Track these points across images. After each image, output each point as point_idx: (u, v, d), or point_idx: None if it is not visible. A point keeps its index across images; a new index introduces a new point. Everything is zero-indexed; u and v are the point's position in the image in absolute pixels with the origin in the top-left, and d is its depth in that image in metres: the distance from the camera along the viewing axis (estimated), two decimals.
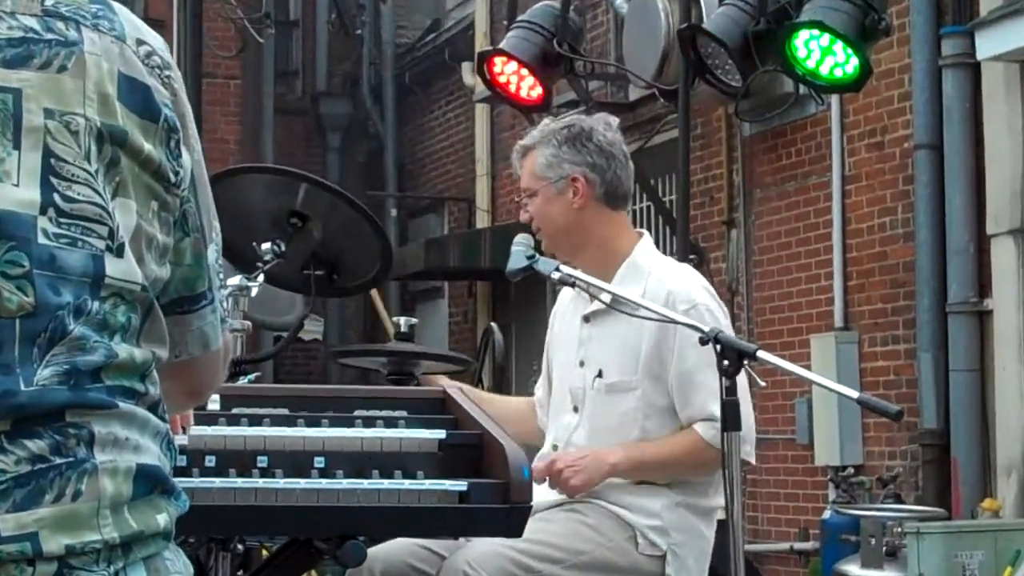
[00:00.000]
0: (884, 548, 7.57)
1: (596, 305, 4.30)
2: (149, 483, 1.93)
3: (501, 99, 8.65)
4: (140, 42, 2.02)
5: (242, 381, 4.24)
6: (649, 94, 10.28)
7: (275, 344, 5.35)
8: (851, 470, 9.03)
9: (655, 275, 4.26)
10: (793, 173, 9.93)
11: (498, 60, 8.46)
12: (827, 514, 8.64)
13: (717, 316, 4.15)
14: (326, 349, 15.21)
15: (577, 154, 4.34)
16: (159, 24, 14.83)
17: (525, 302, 13.04)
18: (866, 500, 8.66)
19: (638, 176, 10.97)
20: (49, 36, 1.91)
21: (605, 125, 4.40)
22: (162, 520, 1.95)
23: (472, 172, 14.50)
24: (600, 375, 4.26)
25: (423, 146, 16.12)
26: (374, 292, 4.32)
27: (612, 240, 4.36)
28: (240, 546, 4.13)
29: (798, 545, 9.64)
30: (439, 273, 14.01)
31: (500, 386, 5.90)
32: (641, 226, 11.74)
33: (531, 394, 4.75)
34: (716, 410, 4.02)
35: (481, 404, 4.31)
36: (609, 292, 4.15)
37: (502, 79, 8.48)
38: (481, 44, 12.84)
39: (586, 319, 4.37)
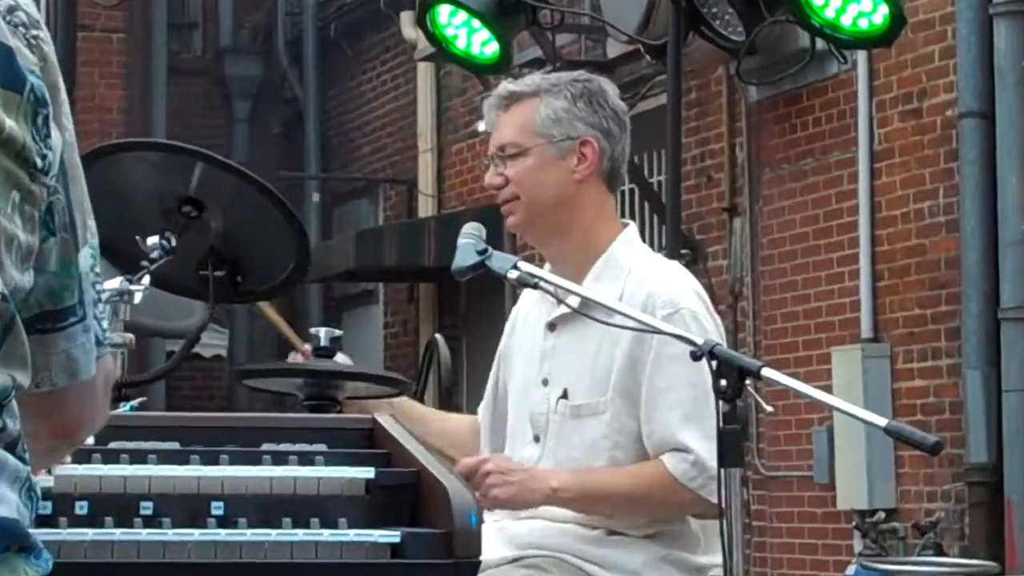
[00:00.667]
0: None
1: (563, 309, 4.27)
2: (3, 540, 1.94)
3: (448, 57, 8.63)
4: None
5: (123, 408, 4.22)
6: (632, 51, 10.31)
7: (167, 360, 5.32)
8: (882, 515, 9.07)
9: (636, 273, 4.23)
10: (810, 148, 9.97)
11: (445, 9, 8.46)
12: (852, 570, 8.65)
13: (704, 324, 4.12)
14: (231, 368, 15.18)
15: (593, 114, 4.29)
16: None
17: (480, 308, 13.06)
18: (900, 552, 8.71)
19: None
20: None
21: (614, 89, 4.41)
22: None
23: (413, 148, 14.51)
24: (565, 396, 4.25)
25: (352, 116, 16.11)
26: (264, 304, 4.28)
27: (596, 228, 4.34)
28: None
29: None
30: (373, 273, 14.01)
31: (447, 405, 5.90)
32: (623, 212, 11.87)
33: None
34: (689, 440, 4.04)
35: (425, 425, 4.33)
36: (578, 295, 4.13)
37: (450, 33, 8.48)
38: None
39: (551, 327, 4.33)
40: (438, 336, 6.61)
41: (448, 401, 5.89)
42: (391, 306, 15.12)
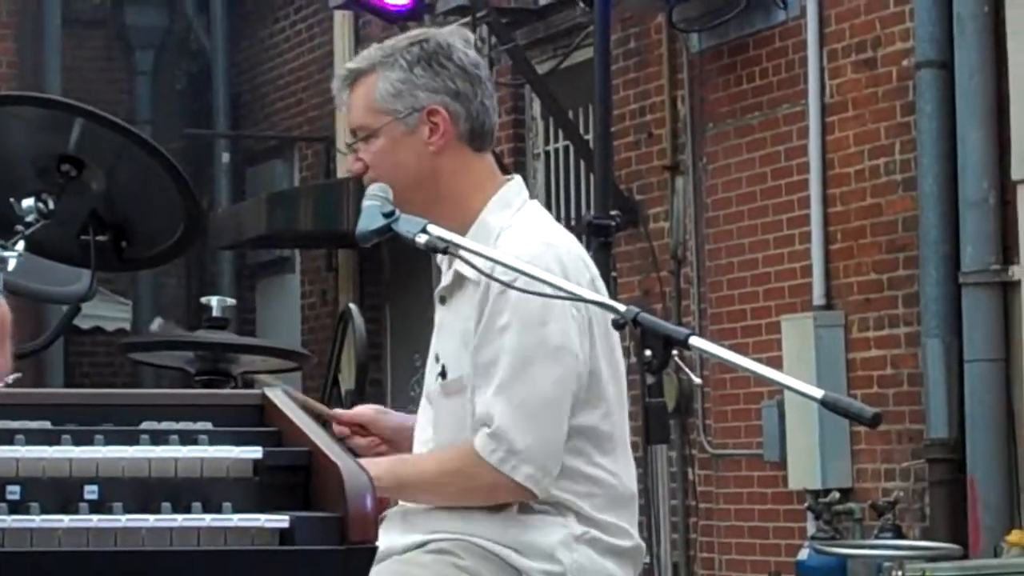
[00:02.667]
0: None
1: (445, 280, 4.29)
2: None
3: (362, 6, 8.63)
4: None
5: None
6: None
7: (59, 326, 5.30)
8: (836, 495, 9.12)
9: (504, 236, 4.23)
10: (757, 101, 10.00)
11: None
12: (804, 553, 8.74)
13: (558, 279, 4.09)
14: (119, 342, 15.13)
15: (436, 77, 4.27)
16: None
17: (404, 276, 13.07)
18: (856, 535, 8.76)
19: (550, 105, 11.09)
20: None
21: (463, 40, 4.38)
22: None
23: (330, 103, 14.40)
24: (443, 373, 4.27)
25: (265, 68, 16.08)
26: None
27: (466, 195, 4.32)
28: None
29: None
30: (288, 238, 14.00)
31: (363, 389, 5.89)
32: (556, 174, 11.91)
33: (410, 399, 4.73)
34: (494, 410, 4.04)
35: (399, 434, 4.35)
36: (489, 258, 4.12)
37: None
38: None
39: (441, 300, 4.36)
40: (352, 306, 6.61)
41: (364, 375, 5.89)
42: (308, 274, 15.09)
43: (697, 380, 9.53)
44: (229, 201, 15.58)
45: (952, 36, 8.53)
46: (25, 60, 15.63)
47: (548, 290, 3.89)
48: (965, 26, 8.45)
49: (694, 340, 3.77)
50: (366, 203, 4.13)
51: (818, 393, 3.80)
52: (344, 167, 14.07)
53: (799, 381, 3.90)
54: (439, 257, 4.38)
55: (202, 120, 16.31)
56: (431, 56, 4.27)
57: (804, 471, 9.32)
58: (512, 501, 4.06)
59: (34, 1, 15.65)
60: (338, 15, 13.67)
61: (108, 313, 14.94)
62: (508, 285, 3.88)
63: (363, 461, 4.01)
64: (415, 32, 4.51)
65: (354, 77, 4.29)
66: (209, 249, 15.17)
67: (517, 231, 4.22)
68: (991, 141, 8.43)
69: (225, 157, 16.00)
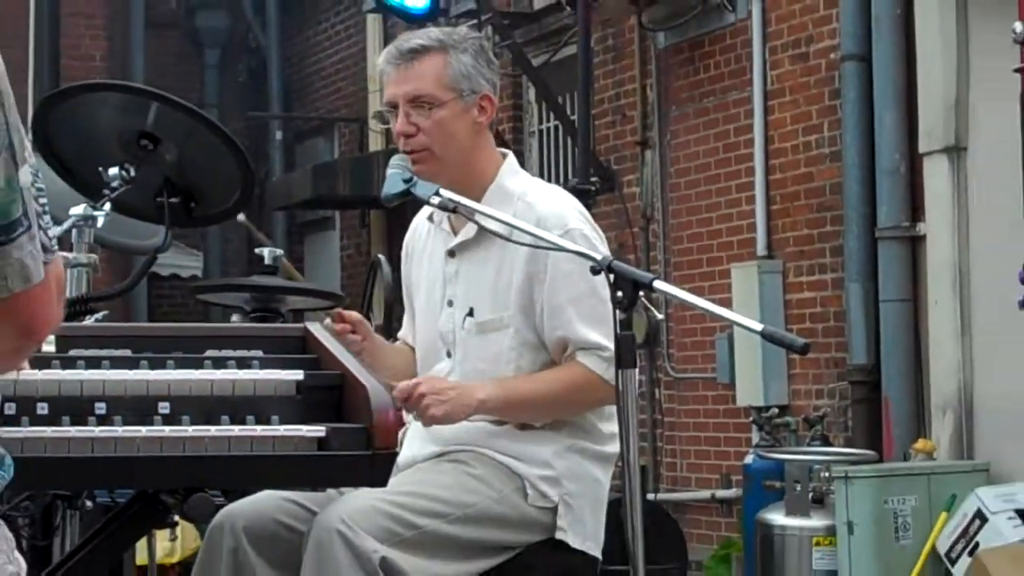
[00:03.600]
0: (810, 494, 7.66)
1: (462, 237, 4.25)
2: None
3: (388, 9, 8.59)
4: None
5: (89, 320, 4.21)
6: (555, 2, 10.27)
7: (136, 271, 5.30)
8: (775, 411, 9.09)
9: (524, 199, 4.21)
10: (711, 88, 9.96)
11: None
12: (750, 459, 8.71)
13: (594, 242, 4.11)
14: (190, 285, 15.14)
15: (489, 70, 4.29)
16: None
17: (407, 236, 13.02)
18: (791, 443, 8.74)
19: (543, 92, 11.04)
20: None
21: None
22: None
23: (364, 90, 14.41)
24: (471, 314, 4.23)
25: (311, 62, 16.00)
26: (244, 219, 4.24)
27: (482, 162, 4.31)
28: (89, 503, 4.11)
29: (720, 493, 9.74)
30: (329, 201, 13.95)
31: (390, 323, 5.87)
32: (548, 149, 11.86)
33: None
34: (595, 337, 4.04)
35: (380, 351, 4.31)
36: (497, 219, 4.10)
37: None
38: None
39: (451, 254, 4.30)
40: (380, 256, 6.60)
41: (390, 311, 5.88)
42: (346, 231, 15.07)
43: (660, 316, 9.50)
44: (281, 171, 15.55)
45: (871, 34, 8.50)
46: (114, 56, 15.57)
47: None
48: (881, 26, 8.42)
49: (658, 283, 3.76)
50: (390, 171, 4.13)
51: (759, 327, 3.79)
52: (375, 143, 14.07)
53: (745, 317, 3.89)
54: (435, 217, 4.38)
55: (259, 105, 16.26)
56: (486, 52, 4.29)
57: (749, 391, 9.31)
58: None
59: (122, 7, 15.57)
60: (370, 17, 13.58)
61: (183, 262, 14.91)
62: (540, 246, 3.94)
63: (469, 384, 4.03)
64: (463, 28, 4.49)
65: (423, 51, 4.21)
66: (266, 210, 15.16)
67: (540, 191, 4.32)
68: (902, 121, 8.42)
69: (278, 135, 15.98)
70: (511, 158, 4.38)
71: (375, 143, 14.07)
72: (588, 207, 7.43)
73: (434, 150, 4.19)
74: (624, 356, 3.75)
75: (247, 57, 16.64)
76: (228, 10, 16.53)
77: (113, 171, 4.18)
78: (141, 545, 5.10)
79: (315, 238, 15.88)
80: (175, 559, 7.98)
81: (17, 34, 12.46)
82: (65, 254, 4.14)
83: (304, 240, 16.02)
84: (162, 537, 6.68)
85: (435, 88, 4.20)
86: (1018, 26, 1.81)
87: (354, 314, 4.24)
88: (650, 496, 9.47)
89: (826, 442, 8.55)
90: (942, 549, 7.39)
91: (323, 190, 13.34)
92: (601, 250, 4.03)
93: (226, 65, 16.62)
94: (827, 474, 7.60)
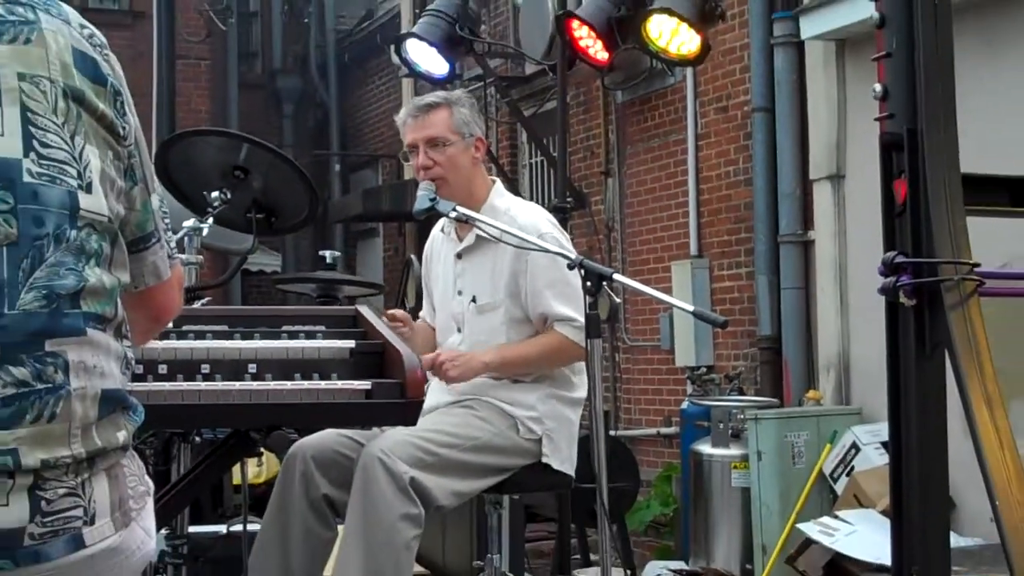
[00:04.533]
0: (730, 431, 7.66)
1: (466, 243, 4.32)
2: (112, 404, 1.93)
3: (416, 74, 8.58)
4: (83, 26, 2.02)
5: (197, 304, 4.22)
6: (541, 69, 10.26)
7: (230, 268, 5.30)
8: (704, 369, 9.09)
9: (508, 213, 4.27)
10: (656, 132, 9.94)
11: (412, 43, 8.40)
12: (685, 405, 8.70)
13: (563, 243, 4.19)
14: (273, 278, 15.16)
15: (479, 118, 4.38)
16: (140, 15, 14.66)
17: (427, 244, 13.02)
18: (716, 393, 8.72)
19: (532, 135, 11.03)
20: (13, 18, 1.90)
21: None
22: (121, 436, 1.95)
23: (400, 134, 14.42)
24: (474, 300, 4.28)
25: (361, 113, 15.99)
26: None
27: (478, 187, 4.37)
28: (198, 438, 4.12)
29: (663, 430, 9.72)
30: (374, 216, 13.94)
31: (418, 307, 5.89)
32: (536, 177, 11.82)
33: None
34: (567, 311, 4.08)
35: (414, 333, 4.34)
36: (496, 227, 4.12)
37: (415, 57, 8.42)
38: (406, 30, 12.75)
39: (458, 256, 4.37)
40: (412, 256, 6.60)
41: (419, 298, 5.85)
42: (387, 238, 15.07)
43: (618, 300, 9.48)
44: (339, 194, 15.54)
45: (774, 93, 8.47)
46: (216, 109, 15.58)
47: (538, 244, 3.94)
48: (782, 87, 8.41)
49: (616, 276, 3.78)
50: (419, 193, 4.18)
51: (691, 308, 3.80)
52: (407, 173, 14.06)
53: (680, 301, 3.91)
54: (445, 229, 4.41)
55: (323, 145, 16.24)
56: (476, 107, 4.32)
57: (685, 355, 9.30)
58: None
59: (222, 73, 15.58)
60: (404, 80, 13.57)
61: (267, 261, 14.90)
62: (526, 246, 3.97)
63: (476, 352, 4.05)
64: (460, 90, 4.55)
65: (435, 107, 4.29)
66: (328, 223, 15.16)
67: (520, 206, 4.36)
68: (797, 156, 8.39)
69: (336, 167, 15.96)
70: (499, 183, 4.44)
71: (408, 173, 14.06)
72: (565, 220, 7.50)
73: (447, 178, 4.25)
74: (591, 329, 3.77)
75: (314, 110, 16.62)
76: (300, 75, 16.54)
77: (214, 194, 4.19)
78: (236, 469, 5.11)
79: (364, 244, 15.87)
80: (261, 480, 7.95)
81: (144, 93, 12.44)
82: (180, 255, 4.16)
83: (356, 245, 16.01)
84: (251, 463, 6.66)
85: (445, 132, 4.27)
86: (877, 87, 1.82)
87: (399, 312, 4.30)
88: (611, 432, 9.46)
89: (741, 393, 8.56)
90: (827, 471, 7.39)
91: (370, 208, 13.33)
92: (568, 248, 4.09)
93: (298, 115, 16.61)
94: (742, 416, 7.59)
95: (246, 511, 3.97)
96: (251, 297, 15.50)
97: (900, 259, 2.10)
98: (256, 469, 7.58)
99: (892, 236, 2.17)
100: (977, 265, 1.98)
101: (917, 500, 1.85)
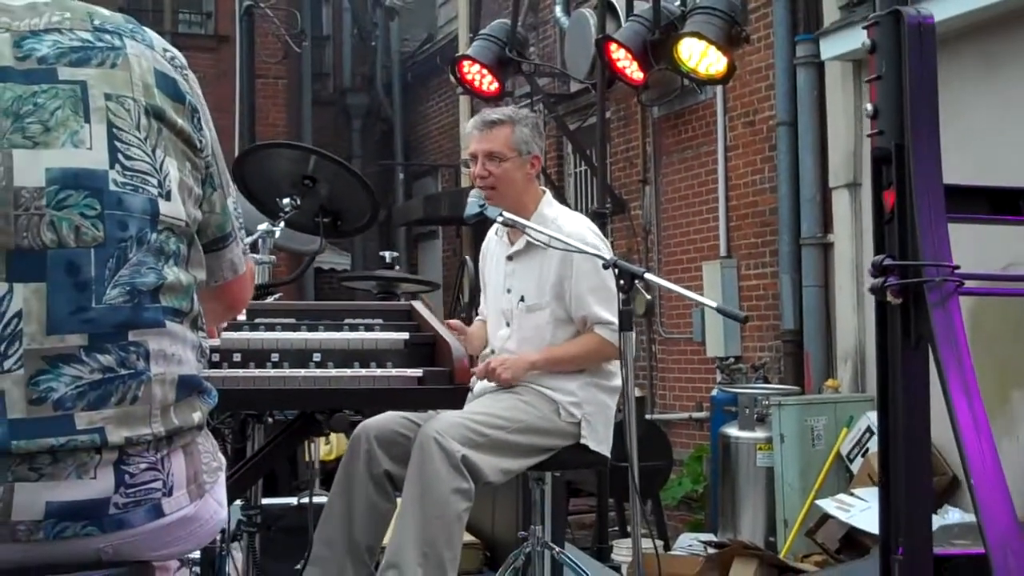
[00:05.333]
0: (755, 416, 7.65)
1: (517, 247, 4.34)
2: (188, 388, 1.97)
3: (469, 92, 8.62)
4: (165, 49, 2.06)
5: (269, 300, 4.25)
6: (584, 87, 10.27)
7: (300, 267, 5.33)
8: (732, 360, 9.08)
9: (556, 222, 4.29)
10: (689, 144, 9.93)
11: (466, 63, 8.43)
12: (715, 392, 8.69)
13: (601, 248, 4.17)
14: (338, 275, 15.20)
15: (540, 139, 4.37)
16: (224, 39, 14.76)
17: (483, 244, 13.03)
18: (743, 381, 8.71)
19: (576, 147, 11.03)
20: (101, 44, 1.95)
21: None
22: (196, 416, 1.98)
23: (458, 146, 14.42)
24: (522, 299, 4.30)
25: (422, 127, 16.05)
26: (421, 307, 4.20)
27: (530, 197, 4.38)
28: (270, 419, 4.15)
29: (695, 415, 9.71)
30: (434, 220, 14.00)
31: (472, 304, 5.91)
32: (580, 185, 11.83)
33: None
34: (606, 315, 4.08)
35: (470, 336, 4.38)
36: (541, 231, 4.15)
37: (469, 77, 8.45)
38: (462, 52, 12.79)
39: (509, 258, 4.39)
40: (467, 257, 6.63)
41: (472, 298, 5.89)
42: (446, 240, 15.10)
43: (649, 297, 9.48)
44: (402, 200, 15.60)
45: (796, 107, 8.45)
46: (292, 123, 15.65)
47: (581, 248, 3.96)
48: (803, 102, 8.39)
49: (647, 275, 3.78)
50: (469, 200, 4.21)
51: (714, 304, 3.80)
52: (464, 181, 14.09)
53: (705, 298, 3.90)
54: (499, 232, 4.43)
55: (388, 156, 16.30)
56: (537, 127, 4.32)
57: (715, 346, 9.30)
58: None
59: (297, 91, 15.65)
60: (461, 97, 13.63)
61: (337, 260, 14.99)
62: (577, 249, 3.99)
63: (524, 353, 4.13)
64: (526, 110, 4.54)
65: (498, 123, 4.31)
66: (392, 226, 15.21)
67: (567, 216, 4.36)
68: (818, 165, 8.36)
69: (401, 176, 16.02)
70: (548, 194, 4.44)
71: (465, 181, 14.09)
72: (604, 224, 7.52)
73: (499, 188, 4.27)
74: (624, 324, 3.79)
75: (380, 124, 16.68)
76: (367, 93, 16.61)
77: (286, 201, 4.19)
78: (311, 447, 5.16)
79: (425, 245, 15.92)
80: (331, 457, 8.01)
81: (227, 109, 12.55)
82: (254, 255, 4.20)
83: (418, 246, 16.06)
84: (321, 442, 6.72)
85: (504, 148, 4.27)
86: (868, 106, 1.83)
87: (454, 322, 4.36)
88: (648, 416, 9.47)
89: (766, 381, 8.54)
90: (844, 452, 7.37)
91: (430, 212, 13.39)
92: (607, 254, 4.07)
93: (366, 129, 16.68)
94: (767, 402, 7.58)
95: (312, 485, 4.00)
96: (322, 292, 15.58)
97: (888, 261, 2.11)
98: (326, 447, 7.64)
99: (882, 241, 2.19)
100: (957, 267, 2.00)
101: (903, 478, 1.86)
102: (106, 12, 2.02)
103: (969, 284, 1.97)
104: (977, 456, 1.67)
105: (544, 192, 4.43)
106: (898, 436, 1.86)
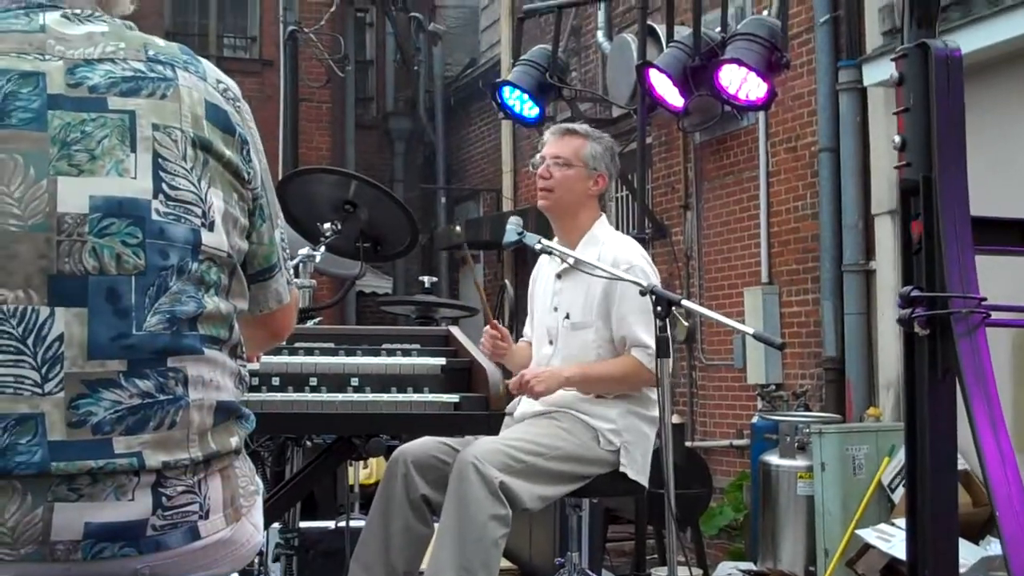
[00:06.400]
0: (796, 444, 7.60)
1: (565, 265, 4.36)
2: (225, 414, 1.99)
3: (510, 116, 8.65)
4: (219, 81, 2.09)
5: (309, 324, 4.29)
6: (626, 112, 10.29)
7: (341, 291, 5.36)
8: (773, 387, 9.05)
9: (606, 244, 4.31)
10: (731, 170, 9.93)
11: (506, 88, 8.47)
12: (756, 419, 8.64)
13: (648, 274, 4.18)
14: (378, 300, 15.22)
15: (611, 161, 4.40)
16: (269, 63, 14.89)
17: (535, 265, 13.06)
18: (784, 409, 8.68)
19: (618, 172, 11.04)
20: (152, 75, 1.98)
21: (617, 147, 4.52)
22: (234, 441, 2.01)
23: (500, 170, 14.50)
24: (568, 317, 4.31)
25: (464, 151, 16.10)
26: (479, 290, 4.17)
27: (585, 216, 4.40)
28: (309, 442, 4.19)
29: (735, 442, 9.68)
30: (476, 244, 14.01)
31: (511, 328, 5.92)
32: (622, 210, 11.86)
33: None
34: (645, 339, 4.08)
35: (513, 352, 4.40)
36: (575, 257, 4.19)
37: (510, 102, 8.49)
38: (504, 77, 12.85)
39: (558, 276, 4.41)
40: (506, 281, 6.66)
41: (514, 318, 5.90)
42: (488, 264, 15.10)
43: (686, 323, 9.45)
44: (445, 224, 15.64)
45: (839, 133, 8.44)
46: (336, 147, 15.71)
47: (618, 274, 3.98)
48: (846, 128, 8.37)
49: (684, 302, 3.79)
50: (508, 227, 4.22)
51: (751, 330, 3.81)
52: (506, 205, 14.14)
53: (744, 325, 3.91)
54: (545, 255, 4.44)
55: (430, 179, 16.35)
56: (611, 148, 4.35)
57: (756, 373, 9.27)
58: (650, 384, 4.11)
59: (340, 115, 15.73)
60: (504, 122, 13.69)
61: (379, 284, 15.03)
62: (617, 277, 4.00)
63: (558, 368, 4.08)
64: (605, 134, 4.54)
65: (572, 133, 4.37)
66: (434, 250, 15.25)
67: (617, 239, 4.39)
68: (860, 192, 8.34)
69: (443, 200, 16.04)
70: (603, 217, 4.48)
71: (506, 205, 14.15)
72: (647, 248, 7.53)
73: (556, 192, 4.31)
74: (662, 350, 3.80)
75: (423, 148, 16.74)
76: (410, 117, 16.66)
77: (327, 225, 4.23)
78: (350, 470, 5.19)
79: (466, 269, 15.96)
80: (371, 480, 8.05)
81: (271, 132, 12.65)
82: (296, 280, 4.24)
83: (459, 270, 16.09)
84: (361, 466, 6.76)
85: (571, 156, 4.31)
86: (896, 138, 1.84)
87: (502, 328, 4.35)
88: (688, 443, 9.44)
89: (807, 409, 8.50)
90: (885, 482, 7.31)
91: (472, 236, 13.41)
92: (653, 280, 4.08)
93: (409, 153, 16.74)
94: (808, 430, 7.53)
95: (348, 509, 4.03)
96: (364, 316, 15.62)
97: (915, 293, 2.12)
98: (365, 471, 7.68)
99: (910, 272, 2.20)
100: (984, 299, 2.01)
101: (929, 509, 1.87)
102: (162, 43, 2.05)
103: (1000, 315, 1.98)
104: (1003, 487, 1.68)
105: (601, 214, 4.46)
106: (925, 466, 1.87)
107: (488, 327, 4.32)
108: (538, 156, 4.44)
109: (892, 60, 2.24)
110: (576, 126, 4.42)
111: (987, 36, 6.88)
